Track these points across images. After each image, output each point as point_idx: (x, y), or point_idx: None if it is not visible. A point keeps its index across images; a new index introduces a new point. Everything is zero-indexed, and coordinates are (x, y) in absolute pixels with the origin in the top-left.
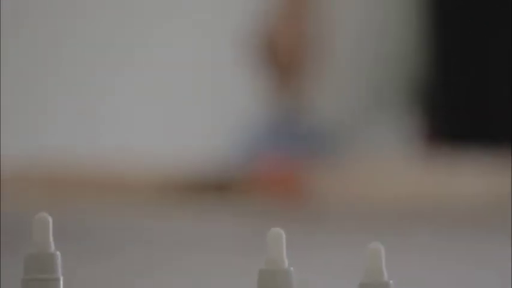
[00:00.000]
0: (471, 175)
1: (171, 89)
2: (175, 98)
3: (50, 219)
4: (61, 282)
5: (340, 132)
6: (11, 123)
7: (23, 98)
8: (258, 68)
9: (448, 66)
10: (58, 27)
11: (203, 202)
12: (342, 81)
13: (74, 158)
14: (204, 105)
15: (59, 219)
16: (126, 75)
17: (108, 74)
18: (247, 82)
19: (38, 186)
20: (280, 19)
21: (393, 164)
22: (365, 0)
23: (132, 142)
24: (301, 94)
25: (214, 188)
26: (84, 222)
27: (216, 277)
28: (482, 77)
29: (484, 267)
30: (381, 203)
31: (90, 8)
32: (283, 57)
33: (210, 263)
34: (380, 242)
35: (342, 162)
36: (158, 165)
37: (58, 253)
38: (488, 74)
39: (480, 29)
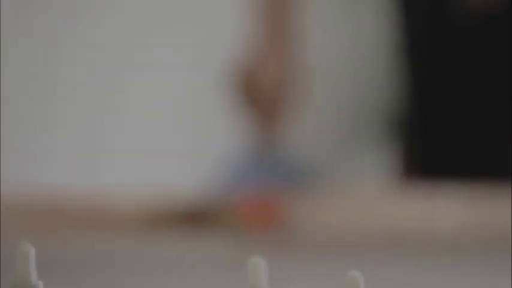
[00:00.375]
0: (448, 207)
1: (152, 121)
2: (155, 129)
3: (33, 250)
4: None
5: (319, 165)
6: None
7: (12, 130)
8: (239, 102)
9: (425, 100)
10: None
11: (183, 233)
12: (320, 114)
13: (60, 189)
14: (185, 138)
15: (45, 250)
16: (110, 108)
17: (92, 108)
18: (228, 115)
19: (25, 216)
20: (262, 55)
21: (371, 196)
22: (344, 37)
23: (115, 174)
24: (280, 127)
25: (193, 219)
26: (71, 253)
27: None
28: (462, 109)
29: None
30: (360, 234)
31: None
32: (263, 92)
33: None
34: (359, 271)
35: (320, 194)
36: (139, 197)
37: (40, 283)
38: (468, 106)
39: (459, 64)
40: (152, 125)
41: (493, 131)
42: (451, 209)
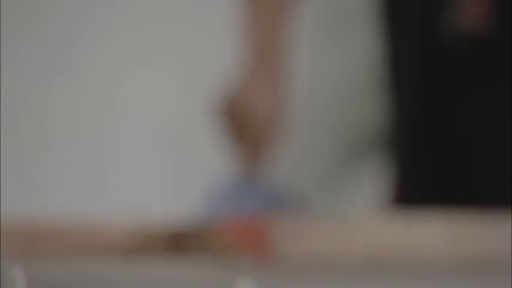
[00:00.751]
0: (436, 233)
1: (140, 147)
2: (144, 156)
3: (22, 275)
4: None
5: (306, 192)
6: None
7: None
8: (226, 130)
9: (414, 124)
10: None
11: (171, 257)
12: (308, 142)
13: (51, 213)
14: (173, 165)
15: (35, 275)
16: (100, 134)
17: (82, 134)
18: (216, 143)
19: (14, 241)
20: (250, 83)
21: (359, 222)
22: (332, 63)
23: (104, 198)
24: (267, 155)
25: (181, 244)
26: (60, 277)
27: None
28: (452, 134)
29: None
30: (347, 259)
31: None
32: (250, 120)
33: None
34: None
35: (307, 220)
36: (127, 221)
37: None
38: (458, 131)
39: (449, 87)
40: (141, 152)
41: (484, 157)
42: (439, 234)
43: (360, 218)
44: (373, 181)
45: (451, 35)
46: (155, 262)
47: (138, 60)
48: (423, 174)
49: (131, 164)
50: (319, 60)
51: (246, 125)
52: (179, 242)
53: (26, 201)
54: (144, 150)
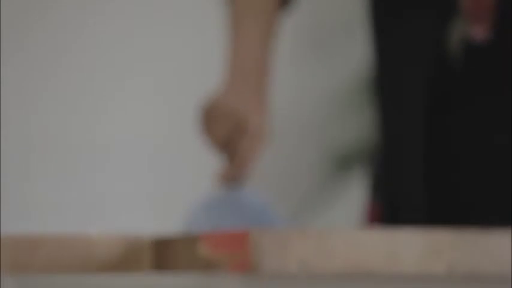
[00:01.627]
0: (415, 246)
1: (123, 165)
2: (127, 174)
3: (16, 286)
4: None
5: (288, 206)
6: None
7: None
8: (209, 146)
9: (394, 139)
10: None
11: (155, 272)
12: (292, 156)
13: (43, 229)
14: (156, 182)
15: (28, 286)
16: (83, 156)
17: (68, 155)
18: (198, 160)
19: (9, 253)
20: (232, 95)
21: (341, 235)
22: (317, 82)
23: (90, 218)
24: (249, 169)
25: (163, 259)
26: None
27: None
28: (443, 153)
29: None
30: (327, 271)
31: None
32: (232, 135)
33: None
34: None
35: (290, 233)
36: (111, 239)
37: None
38: (448, 151)
39: (438, 111)
40: (124, 170)
41: (467, 175)
42: (416, 247)
43: (340, 231)
44: (355, 198)
45: (450, 50)
46: (142, 275)
47: (125, 76)
48: (410, 194)
49: (119, 185)
50: (304, 77)
51: (228, 139)
52: (165, 256)
53: (21, 219)
54: (128, 169)
